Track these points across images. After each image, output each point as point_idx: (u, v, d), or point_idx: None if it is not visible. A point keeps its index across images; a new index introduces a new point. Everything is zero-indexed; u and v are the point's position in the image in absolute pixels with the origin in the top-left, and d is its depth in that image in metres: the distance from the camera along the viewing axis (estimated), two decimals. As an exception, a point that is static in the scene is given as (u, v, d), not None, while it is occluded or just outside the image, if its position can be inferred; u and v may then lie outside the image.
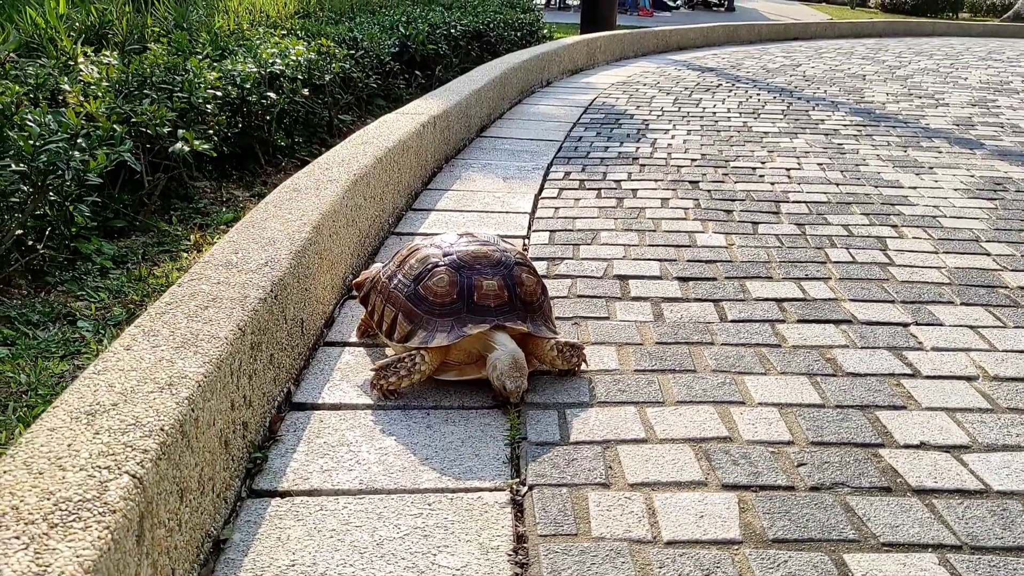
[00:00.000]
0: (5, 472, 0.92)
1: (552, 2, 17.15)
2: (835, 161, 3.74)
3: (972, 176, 3.53)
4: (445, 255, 1.73)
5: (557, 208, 2.96)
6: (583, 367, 1.76)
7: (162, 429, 1.03)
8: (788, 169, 3.57)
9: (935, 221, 2.88)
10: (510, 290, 1.69)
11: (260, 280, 1.55)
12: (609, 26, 8.71)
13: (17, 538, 0.82)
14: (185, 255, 2.47)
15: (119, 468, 0.94)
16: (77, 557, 0.81)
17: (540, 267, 2.36)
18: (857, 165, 3.67)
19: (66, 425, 1.02)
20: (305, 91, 3.61)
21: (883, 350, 1.90)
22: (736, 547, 1.24)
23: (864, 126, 4.59)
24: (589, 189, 3.22)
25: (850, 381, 1.75)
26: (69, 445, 0.98)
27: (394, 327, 1.70)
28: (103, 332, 1.97)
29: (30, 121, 2.26)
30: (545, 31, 8.07)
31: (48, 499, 0.88)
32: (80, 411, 1.05)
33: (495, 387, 1.61)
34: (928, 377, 1.78)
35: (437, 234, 1.84)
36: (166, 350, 1.24)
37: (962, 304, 2.17)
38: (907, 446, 1.52)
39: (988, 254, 2.55)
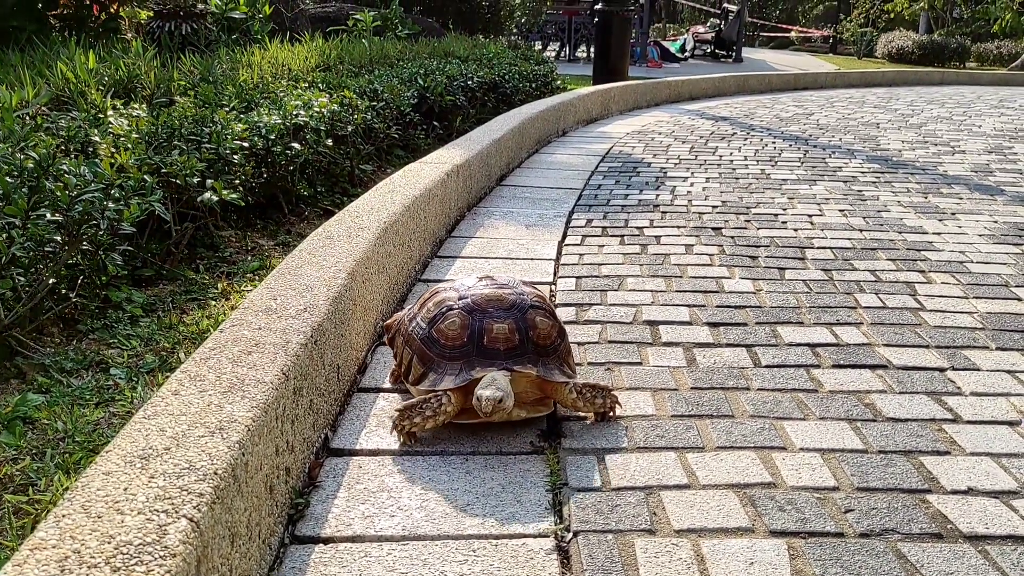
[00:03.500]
0: (64, 516, 0.91)
1: (562, 55, 17.41)
2: (856, 207, 3.74)
3: (995, 222, 3.53)
4: (460, 298, 1.75)
5: (582, 255, 2.96)
6: (616, 411, 1.75)
7: (215, 473, 1.03)
8: (810, 215, 3.58)
9: (962, 267, 2.87)
10: (521, 333, 1.70)
11: (300, 326, 1.55)
12: (621, 77, 8.82)
13: (80, 582, 0.82)
14: (213, 303, 2.48)
15: (176, 512, 0.94)
16: (141, 602, 0.80)
17: (568, 313, 2.36)
18: (879, 211, 3.68)
19: (121, 469, 1.01)
20: (328, 141, 3.66)
21: (922, 395, 1.88)
22: (790, 594, 1.22)
23: (882, 173, 4.61)
24: (612, 236, 3.23)
25: (891, 426, 1.73)
26: (125, 489, 0.97)
27: (410, 369, 1.72)
28: (136, 379, 1.97)
29: (66, 172, 2.29)
30: (559, 82, 8.18)
31: (108, 542, 0.87)
32: (134, 455, 1.05)
33: (475, 407, 1.59)
34: (970, 422, 1.76)
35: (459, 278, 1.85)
36: (214, 395, 1.24)
37: (997, 349, 2.16)
38: (955, 492, 1.50)
39: (1020, 299, 2.54)
